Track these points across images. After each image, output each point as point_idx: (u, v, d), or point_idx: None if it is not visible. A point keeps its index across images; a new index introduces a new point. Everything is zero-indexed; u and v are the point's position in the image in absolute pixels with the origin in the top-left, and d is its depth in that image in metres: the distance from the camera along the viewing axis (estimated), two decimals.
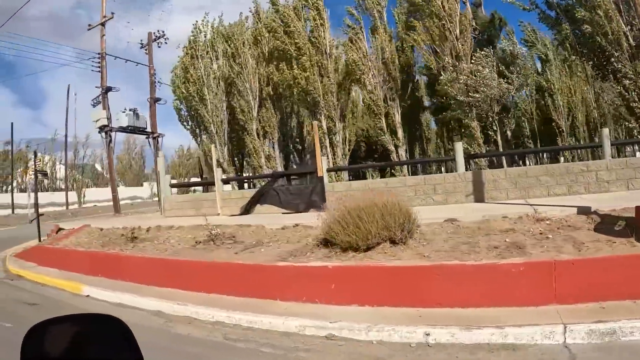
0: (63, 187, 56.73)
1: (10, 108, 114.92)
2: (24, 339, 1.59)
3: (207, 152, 24.98)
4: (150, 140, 32.84)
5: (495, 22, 27.09)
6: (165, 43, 33.15)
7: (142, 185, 67.57)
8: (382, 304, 6.99)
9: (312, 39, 22.95)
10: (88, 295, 10.52)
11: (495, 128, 22.77)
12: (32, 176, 21.08)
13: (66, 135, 51.16)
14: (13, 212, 45.88)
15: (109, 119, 29.69)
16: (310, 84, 22.05)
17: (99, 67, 30.79)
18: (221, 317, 7.57)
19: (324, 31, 23.02)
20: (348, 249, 8.58)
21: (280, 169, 23.86)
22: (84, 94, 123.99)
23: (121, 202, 53.85)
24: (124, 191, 60.18)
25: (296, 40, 22.44)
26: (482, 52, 21.67)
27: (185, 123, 29.73)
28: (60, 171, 58.73)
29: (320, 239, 9.59)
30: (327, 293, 7.57)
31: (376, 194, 9.18)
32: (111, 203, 52.07)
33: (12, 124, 50.04)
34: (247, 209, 17.47)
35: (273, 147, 24.38)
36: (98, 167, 68.02)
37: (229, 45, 24.60)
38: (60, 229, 19.72)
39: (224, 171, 24.12)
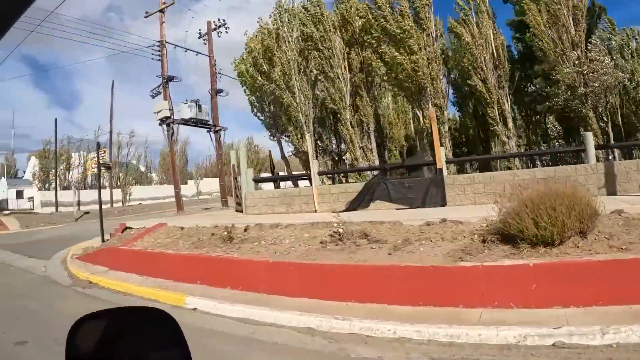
0: (106, 184, 55.67)
1: (44, 108, 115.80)
2: (69, 333, 1.46)
3: (298, 143, 22.61)
4: (212, 134, 30.79)
5: (595, 11, 24.92)
6: (226, 32, 31.57)
7: (186, 183, 65.31)
8: (590, 304, 6.15)
9: (418, 21, 20.61)
10: (195, 309, 8.53)
11: (605, 119, 20.47)
12: (95, 169, 18.92)
13: (110, 132, 50.03)
14: (57, 209, 44.38)
15: (171, 110, 27.87)
16: (420, 68, 19.74)
17: (159, 55, 28.91)
18: (406, 332, 6.13)
19: (429, 12, 20.75)
20: (538, 244, 7.56)
21: (376, 161, 21.59)
22: (117, 93, 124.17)
23: (166, 200, 53.07)
24: (168, 189, 58.84)
25: (401, 23, 20.04)
26: (597, 40, 19.70)
27: (259, 114, 27.31)
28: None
29: (490, 234, 8.54)
30: (524, 295, 6.61)
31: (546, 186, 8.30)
32: (157, 201, 51.69)
33: (55, 120, 48.76)
34: (354, 205, 15.48)
35: (369, 138, 21.84)
36: (142, 167, 66.35)
37: (317, 29, 22.17)
38: (127, 228, 18.00)
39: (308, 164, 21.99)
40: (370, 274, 8.12)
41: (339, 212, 14.80)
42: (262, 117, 26.78)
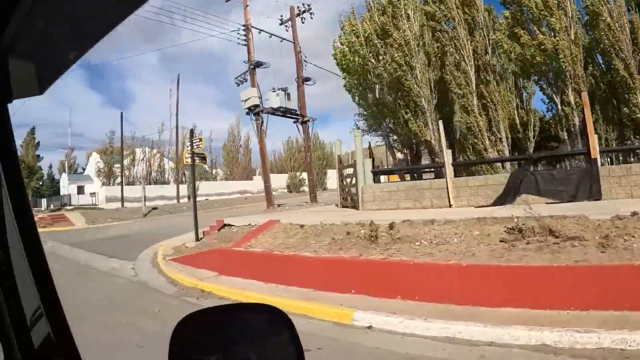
0: (170, 180, 55.99)
1: (97, 107, 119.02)
2: (173, 331, 1.42)
3: (420, 131, 20.83)
4: (299, 125, 29.48)
5: None
6: (311, 18, 29.98)
7: (251, 179, 65.32)
8: None
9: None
10: (370, 326, 6.79)
11: None
12: (189, 160, 17.41)
13: (177, 126, 49.31)
14: (122, 205, 44.20)
15: (260, 98, 26.60)
16: (561, 50, 18.06)
17: (245, 40, 27.65)
18: None
19: None
20: None
21: (506, 151, 19.87)
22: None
23: (231, 197, 52.44)
24: (233, 185, 58.24)
25: None
26: None
27: (362, 101, 25.93)
28: (168, 164, 57.29)
29: None
30: None
31: None
32: (222, 197, 51.38)
33: (121, 113, 48.59)
34: (503, 200, 14.00)
35: (498, 128, 20.14)
36: (205, 165, 65.83)
37: (438, 7, 20.73)
38: (225, 225, 16.72)
39: (434, 155, 20.19)
40: (595, 275, 7.08)
41: (484, 206, 13.80)
42: (364, 105, 25.20)
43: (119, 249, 16.98)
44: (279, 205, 27.88)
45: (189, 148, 17.70)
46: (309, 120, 29.22)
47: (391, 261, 8.72)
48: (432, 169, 21.50)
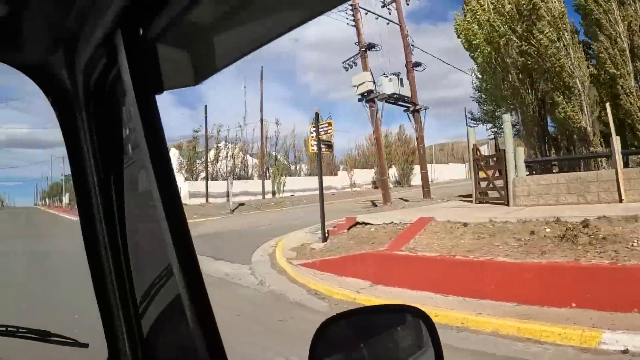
0: (254, 175, 56.40)
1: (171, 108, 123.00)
2: (315, 334, 1.45)
3: (574, 116, 19.49)
4: (409, 114, 28.19)
5: None
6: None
7: (335, 174, 64.12)
8: None
9: None
10: (626, 351, 5.69)
11: None
12: (314, 148, 16.39)
13: (262, 120, 49.77)
14: (207, 201, 44.60)
15: (373, 83, 25.40)
16: None
17: (353, 21, 26.88)
18: None
19: None
20: None
21: None
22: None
23: (316, 193, 51.22)
24: (317, 181, 57.56)
25: None
26: None
27: (491, 85, 24.82)
28: (252, 160, 57.37)
29: None
30: None
31: None
32: (306, 193, 51.38)
33: (205, 106, 48.50)
34: None
35: None
36: (283, 159, 65.46)
37: None
38: (358, 223, 15.23)
39: (589, 143, 18.88)
40: None
41: None
42: (492, 88, 24.15)
43: (221, 249, 16.24)
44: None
45: (314, 134, 16.56)
46: (421, 109, 27.85)
47: (627, 266, 7.62)
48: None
